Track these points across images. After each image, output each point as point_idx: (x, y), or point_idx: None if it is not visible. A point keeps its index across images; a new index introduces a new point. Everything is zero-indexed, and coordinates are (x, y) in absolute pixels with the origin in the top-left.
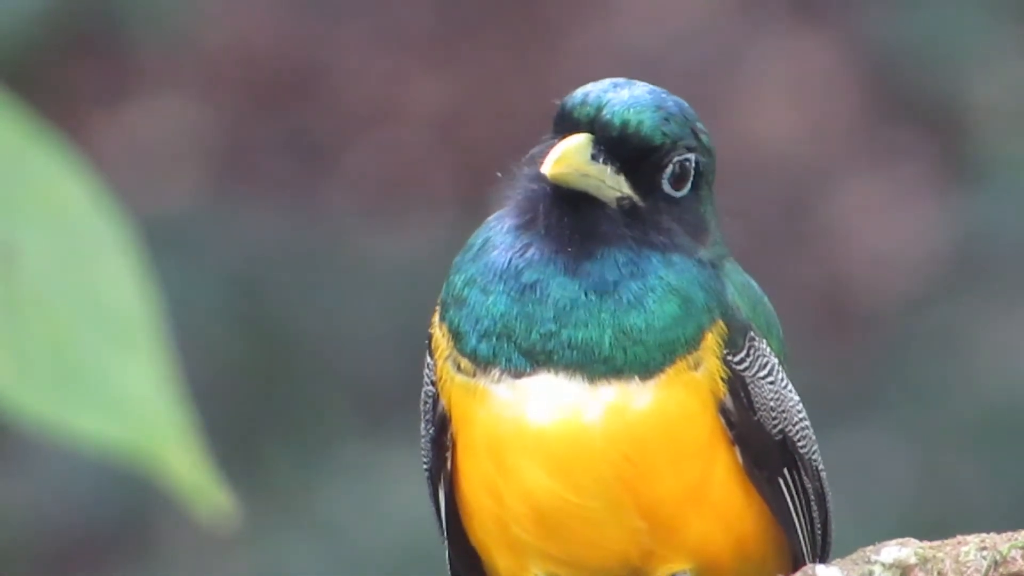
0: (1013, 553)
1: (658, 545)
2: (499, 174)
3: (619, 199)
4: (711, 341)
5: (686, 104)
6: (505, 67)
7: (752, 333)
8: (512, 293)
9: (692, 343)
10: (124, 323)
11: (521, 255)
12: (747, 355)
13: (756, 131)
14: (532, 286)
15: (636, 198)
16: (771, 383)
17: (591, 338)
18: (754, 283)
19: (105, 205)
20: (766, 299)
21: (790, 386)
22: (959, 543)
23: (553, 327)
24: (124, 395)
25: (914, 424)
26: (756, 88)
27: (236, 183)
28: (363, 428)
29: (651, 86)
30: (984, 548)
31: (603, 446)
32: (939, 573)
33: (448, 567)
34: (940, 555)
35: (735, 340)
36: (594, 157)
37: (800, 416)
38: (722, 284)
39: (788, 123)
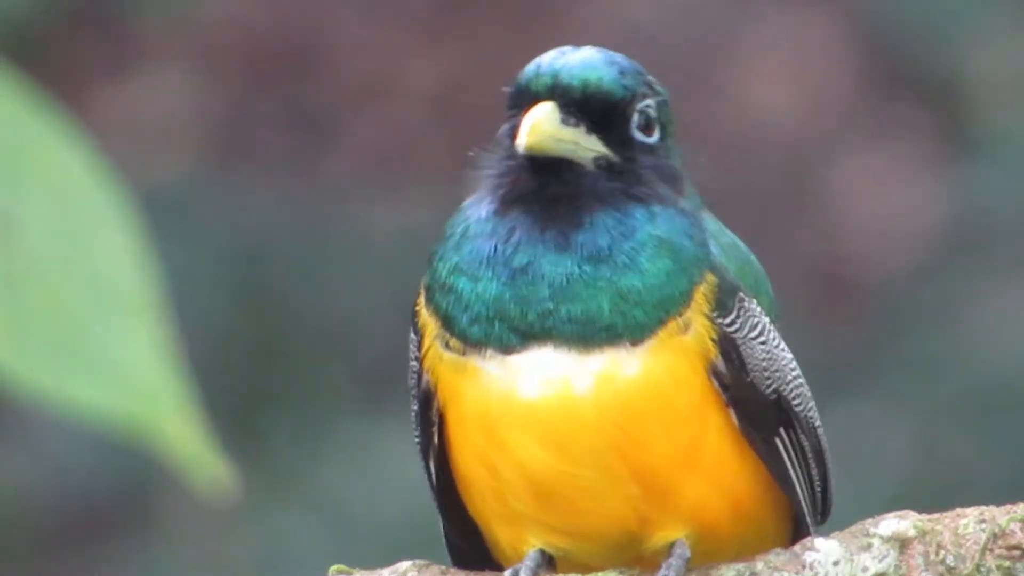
0: (1012, 526)
1: (654, 511)
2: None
3: (595, 159)
4: (700, 300)
5: (634, 60)
6: (504, 41)
7: (741, 294)
8: (503, 278)
9: (684, 299)
10: (122, 294)
11: (506, 240)
12: (737, 316)
13: (756, 105)
14: (524, 269)
15: (611, 155)
16: (763, 343)
17: (590, 308)
18: (740, 241)
19: (103, 177)
20: (753, 257)
21: (782, 344)
22: (958, 516)
23: (550, 305)
24: (121, 366)
25: (913, 396)
26: (756, 62)
27: (236, 157)
28: (362, 403)
29: (596, 47)
30: (983, 521)
31: (594, 415)
32: (938, 546)
33: (444, 540)
34: (939, 528)
35: (724, 302)
36: (564, 121)
37: (794, 374)
38: (704, 234)
39: (787, 97)
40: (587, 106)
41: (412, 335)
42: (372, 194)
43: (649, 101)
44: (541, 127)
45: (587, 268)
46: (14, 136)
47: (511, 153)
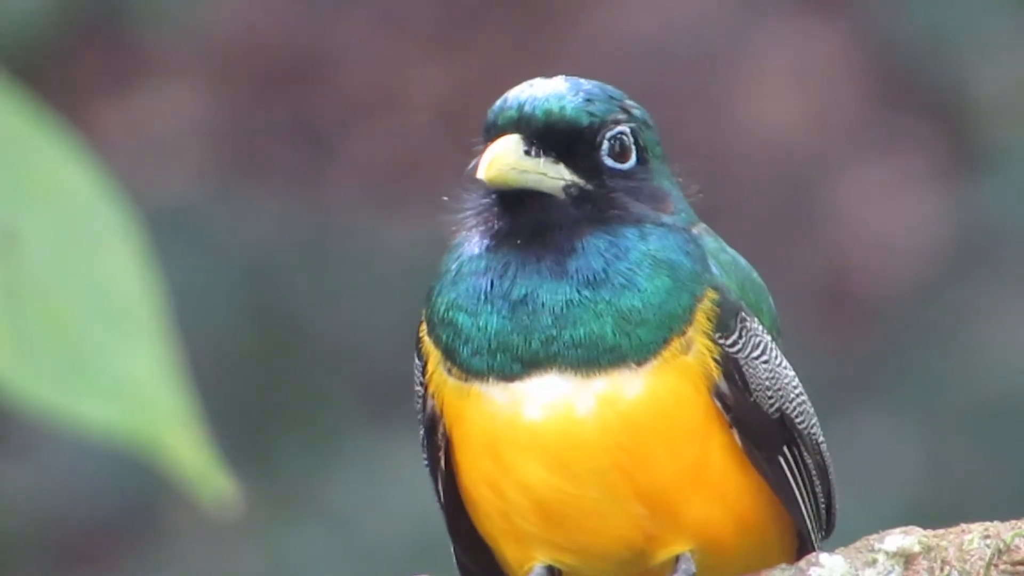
0: (1017, 541)
1: (659, 529)
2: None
3: (566, 188)
4: (701, 319)
5: (610, 86)
6: (509, 55)
7: (743, 314)
8: (503, 312)
9: (686, 316)
10: (125, 309)
11: (502, 275)
12: (739, 337)
13: (761, 119)
14: (523, 300)
15: (582, 183)
16: (765, 362)
17: (594, 332)
18: (740, 258)
19: (107, 191)
20: (755, 273)
21: (784, 362)
22: (963, 531)
23: (554, 331)
24: (125, 380)
25: (918, 412)
26: (760, 76)
27: (242, 171)
28: (371, 418)
29: (571, 77)
30: (988, 536)
31: (597, 437)
32: (943, 561)
33: (454, 560)
34: (944, 543)
35: (726, 323)
36: (528, 152)
37: (797, 391)
38: (701, 250)
39: (793, 111)
40: (552, 136)
41: (416, 360)
42: (379, 208)
43: (623, 128)
44: (500, 159)
45: (586, 292)
46: (18, 151)
47: (486, 190)
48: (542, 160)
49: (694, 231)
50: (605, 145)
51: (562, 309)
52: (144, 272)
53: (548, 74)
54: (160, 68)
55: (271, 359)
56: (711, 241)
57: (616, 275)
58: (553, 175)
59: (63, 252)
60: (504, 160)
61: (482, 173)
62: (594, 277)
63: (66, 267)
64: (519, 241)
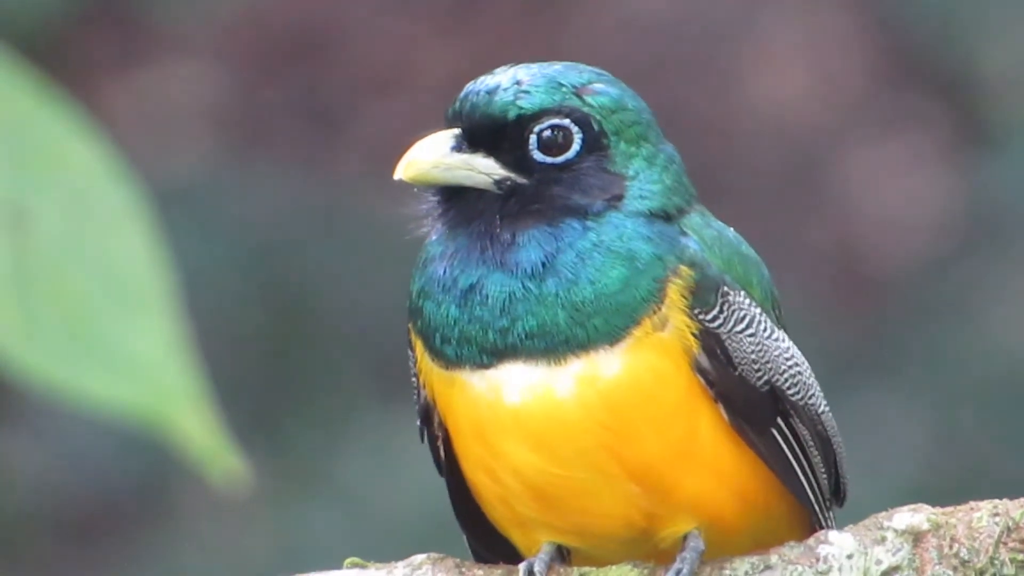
0: None
1: (656, 507)
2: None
3: (499, 182)
4: (675, 297)
5: (576, 71)
6: (517, 33)
7: (725, 288)
8: (457, 300)
9: (653, 299)
10: (135, 287)
11: (451, 263)
12: (720, 311)
13: (769, 96)
14: (471, 289)
15: (514, 176)
16: (751, 335)
17: (546, 322)
18: (728, 232)
19: (116, 170)
20: (744, 246)
21: (776, 334)
22: (972, 509)
23: (505, 323)
24: (135, 358)
25: (927, 388)
26: (769, 53)
27: (250, 149)
28: (381, 395)
29: (529, 65)
30: (997, 514)
31: (579, 417)
32: (952, 539)
33: (467, 548)
34: (953, 521)
35: (706, 297)
36: (457, 148)
37: (789, 363)
38: (672, 231)
39: (802, 88)
40: (480, 131)
41: (409, 351)
42: (388, 187)
43: (555, 120)
44: (418, 158)
45: (531, 285)
46: (28, 129)
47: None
48: (473, 156)
49: (674, 210)
50: (532, 139)
51: (506, 301)
52: (153, 250)
53: (554, 53)
54: (168, 45)
55: (280, 336)
56: (696, 217)
57: (563, 267)
58: (483, 170)
59: (72, 230)
60: (424, 158)
61: (398, 173)
62: (532, 269)
63: (75, 245)
64: (461, 232)
